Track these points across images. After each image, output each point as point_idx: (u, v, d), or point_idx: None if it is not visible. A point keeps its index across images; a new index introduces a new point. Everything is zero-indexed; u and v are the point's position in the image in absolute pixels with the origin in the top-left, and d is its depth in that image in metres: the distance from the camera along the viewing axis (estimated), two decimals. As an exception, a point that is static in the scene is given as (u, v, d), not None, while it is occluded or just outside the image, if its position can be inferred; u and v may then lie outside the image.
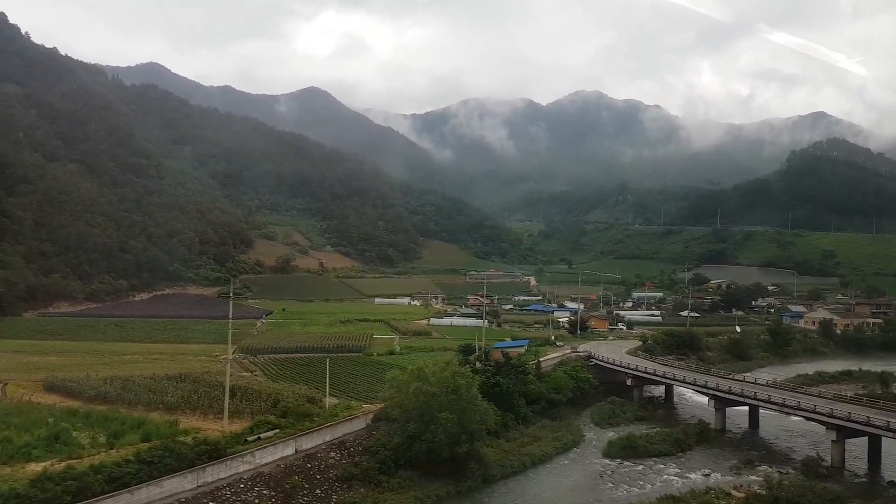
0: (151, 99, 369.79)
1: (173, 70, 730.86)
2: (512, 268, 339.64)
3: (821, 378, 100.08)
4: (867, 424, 57.49)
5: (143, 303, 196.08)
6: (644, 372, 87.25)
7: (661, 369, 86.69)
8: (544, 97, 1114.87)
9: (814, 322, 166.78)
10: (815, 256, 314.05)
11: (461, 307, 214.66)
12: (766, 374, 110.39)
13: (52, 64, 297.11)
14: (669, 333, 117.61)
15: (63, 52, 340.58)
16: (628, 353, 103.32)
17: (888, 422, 56.06)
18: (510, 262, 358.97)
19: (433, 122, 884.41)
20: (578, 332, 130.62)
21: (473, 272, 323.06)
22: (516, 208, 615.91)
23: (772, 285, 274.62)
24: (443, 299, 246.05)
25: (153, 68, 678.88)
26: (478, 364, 71.65)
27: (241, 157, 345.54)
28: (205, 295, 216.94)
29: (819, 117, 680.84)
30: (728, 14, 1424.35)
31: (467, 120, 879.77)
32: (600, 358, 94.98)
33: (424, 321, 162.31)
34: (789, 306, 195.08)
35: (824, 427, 62.28)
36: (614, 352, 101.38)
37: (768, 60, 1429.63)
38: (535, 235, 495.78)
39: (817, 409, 62.43)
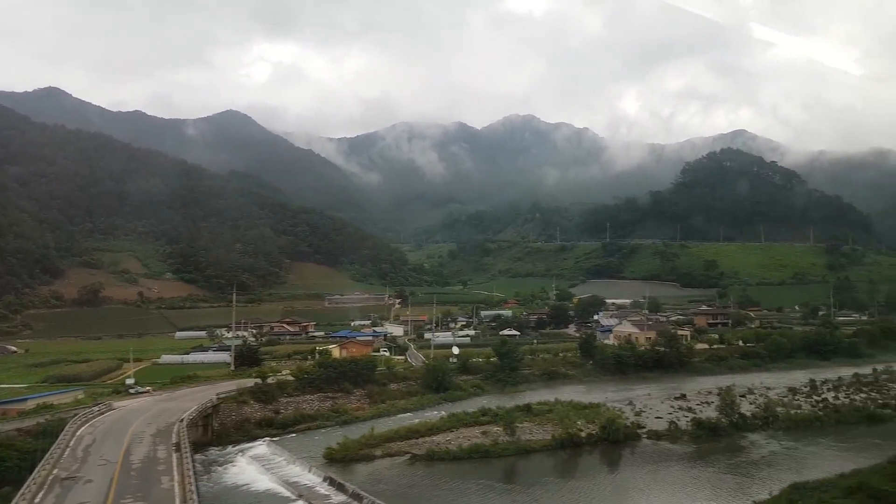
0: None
1: (87, 98, 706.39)
2: (383, 291, 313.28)
3: (459, 421, 71.57)
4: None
5: None
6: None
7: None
8: (478, 121, 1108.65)
9: (618, 337, 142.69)
10: (698, 267, 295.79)
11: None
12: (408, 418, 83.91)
13: None
14: (323, 364, 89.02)
15: None
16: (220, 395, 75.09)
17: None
18: (388, 285, 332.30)
19: (361, 146, 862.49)
20: (234, 367, 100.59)
21: (337, 296, 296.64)
22: (437, 230, 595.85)
23: (641, 298, 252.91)
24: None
25: (51, 93, 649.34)
26: None
27: (78, 177, 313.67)
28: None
29: (738, 135, 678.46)
30: (651, 42, 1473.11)
31: (396, 143, 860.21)
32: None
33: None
34: (601, 320, 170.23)
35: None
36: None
37: (689, 83, 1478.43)
38: (443, 256, 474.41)
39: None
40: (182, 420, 60.60)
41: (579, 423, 69.11)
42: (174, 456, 48.00)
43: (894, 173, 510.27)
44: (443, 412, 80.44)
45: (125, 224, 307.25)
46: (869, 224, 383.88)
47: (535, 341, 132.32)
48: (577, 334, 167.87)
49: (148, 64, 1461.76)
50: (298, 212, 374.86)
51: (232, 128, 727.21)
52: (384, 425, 74.44)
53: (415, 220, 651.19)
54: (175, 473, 42.98)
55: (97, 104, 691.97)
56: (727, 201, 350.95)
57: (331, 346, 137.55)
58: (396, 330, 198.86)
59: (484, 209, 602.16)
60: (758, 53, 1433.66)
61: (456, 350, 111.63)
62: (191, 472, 41.36)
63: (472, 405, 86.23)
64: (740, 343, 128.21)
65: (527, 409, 76.44)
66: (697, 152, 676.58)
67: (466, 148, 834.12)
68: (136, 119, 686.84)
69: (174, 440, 53.04)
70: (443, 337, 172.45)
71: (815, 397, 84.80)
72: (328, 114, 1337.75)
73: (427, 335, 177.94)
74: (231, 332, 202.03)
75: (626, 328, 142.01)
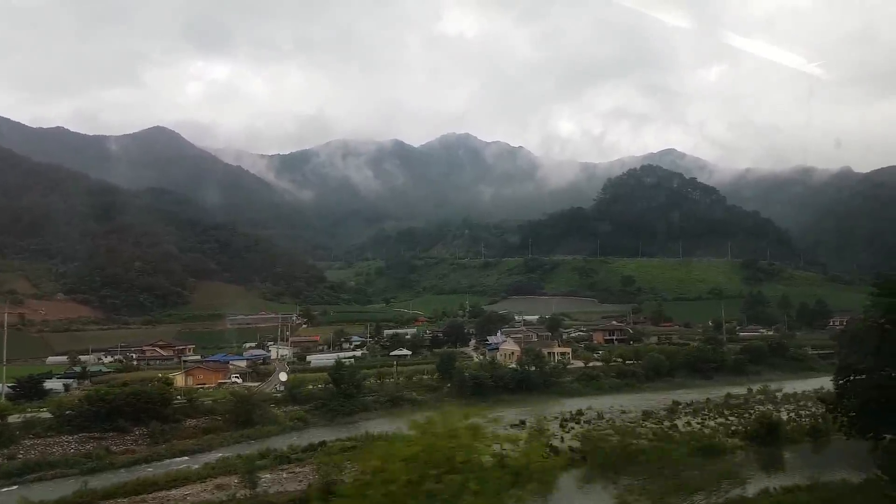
0: None
1: (8, 115, 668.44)
2: (293, 310, 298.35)
3: (227, 468, 58.75)
4: None
5: None
6: None
7: None
8: (414, 139, 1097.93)
9: (504, 355, 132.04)
10: (616, 283, 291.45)
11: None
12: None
13: None
14: (90, 398, 73.86)
15: None
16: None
17: None
18: (302, 304, 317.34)
19: (294, 162, 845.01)
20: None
21: (241, 316, 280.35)
22: (369, 247, 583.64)
23: (556, 314, 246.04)
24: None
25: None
26: None
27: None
28: None
29: (667, 153, 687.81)
30: (581, 63, 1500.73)
31: (331, 159, 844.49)
32: None
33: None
34: (490, 338, 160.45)
35: None
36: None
37: (620, 103, 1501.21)
38: (371, 273, 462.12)
39: None
40: None
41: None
42: None
43: (818, 191, 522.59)
44: (231, 454, 67.88)
45: (17, 242, 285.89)
46: (788, 240, 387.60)
47: (395, 363, 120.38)
48: (474, 353, 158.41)
49: (76, 82, 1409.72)
50: (208, 228, 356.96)
51: (158, 144, 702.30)
52: (144, 473, 61.32)
53: (349, 237, 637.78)
54: None
55: (17, 120, 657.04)
56: (647, 217, 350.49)
57: (174, 374, 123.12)
58: (284, 351, 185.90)
59: (417, 226, 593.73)
60: (686, 74, 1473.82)
61: (283, 377, 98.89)
62: None
63: (281, 442, 74.09)
64: (621, 361, 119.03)
65: (322, 446, 64.70)
66: (627, 170, 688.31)
67: (402, 165, 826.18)
68: (58, 135, 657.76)
69: None
70: (325, 358, 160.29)
71: (667, 423, 75.29)
72: (261, 131, 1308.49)
73: (310, 357, 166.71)
74: (107, 357, 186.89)
75: (509, 346, 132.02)
